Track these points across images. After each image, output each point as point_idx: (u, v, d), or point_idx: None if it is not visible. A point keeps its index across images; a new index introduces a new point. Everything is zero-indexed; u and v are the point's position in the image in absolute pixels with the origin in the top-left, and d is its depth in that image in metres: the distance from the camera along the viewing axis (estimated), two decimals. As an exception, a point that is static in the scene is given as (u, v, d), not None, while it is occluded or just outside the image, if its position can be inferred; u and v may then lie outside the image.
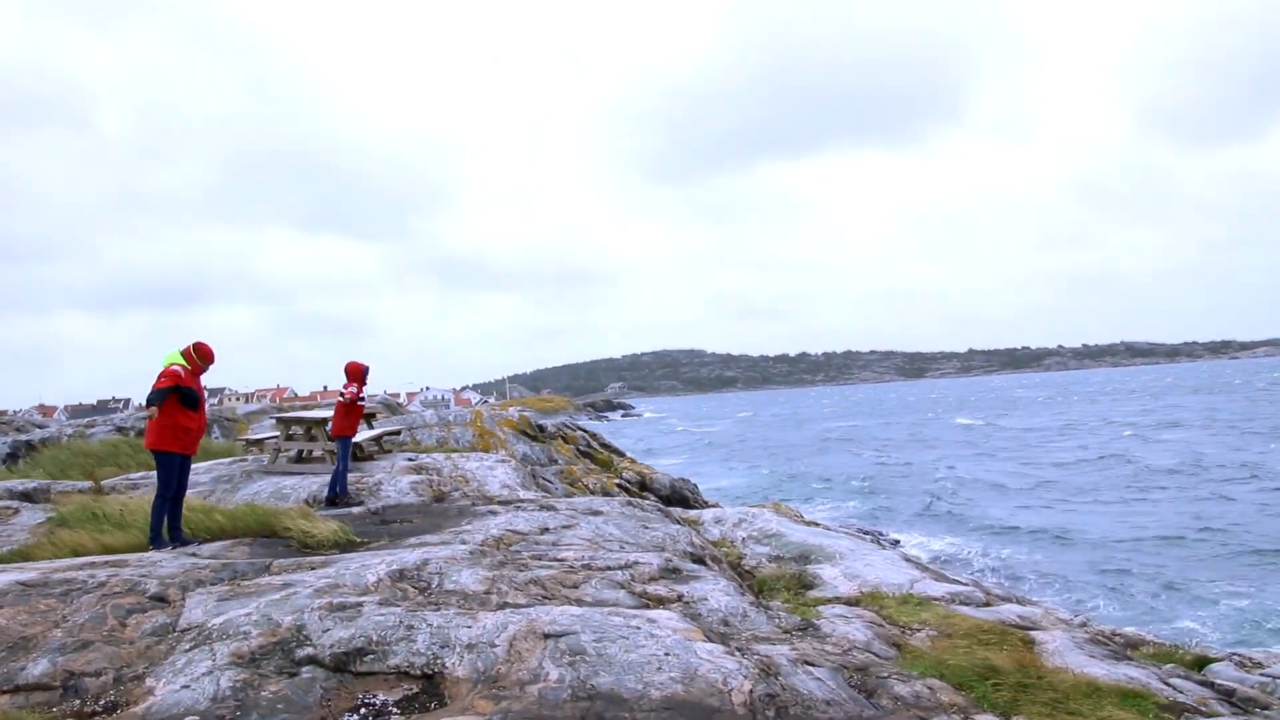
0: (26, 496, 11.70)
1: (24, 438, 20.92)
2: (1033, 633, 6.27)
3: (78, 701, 4.26)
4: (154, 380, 7.49)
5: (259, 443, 14.09)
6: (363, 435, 12.87)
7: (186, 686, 4.24)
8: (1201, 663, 6.59)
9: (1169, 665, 6.25)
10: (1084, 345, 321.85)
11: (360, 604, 5.16)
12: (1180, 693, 5.24)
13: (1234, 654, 7.17)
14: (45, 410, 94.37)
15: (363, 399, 10.69)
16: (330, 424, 11.18)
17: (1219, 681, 5.83)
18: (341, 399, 10.57)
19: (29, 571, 5.88)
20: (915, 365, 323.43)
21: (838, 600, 7.24)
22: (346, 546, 7.39)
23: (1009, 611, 7.06)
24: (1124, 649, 6.69)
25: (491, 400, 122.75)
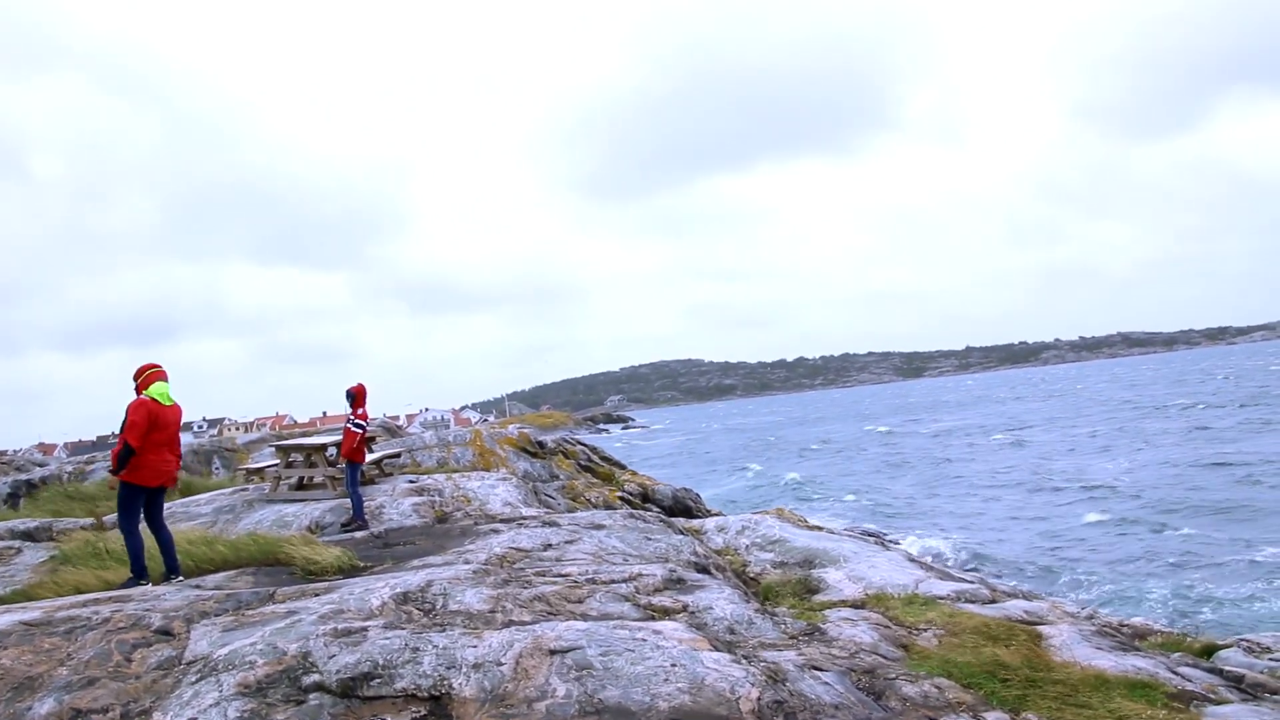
0: (28, 536, 11.68)
1: (24, 477, 20.88)
2: (1039, 627, 6.27)
3: (85, 739, 4.25)
4: (171, 424, 7.35)
5: (259, 471, 14.07)
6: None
7: (194, 719, 4.23)
8: (1210, 650, 6.59)
9: (1177, 654, 6.26)
10: (1081, 338, 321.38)
11: (365, 628, 5.16)
12: (1189, 681, 5.24)
13: (1243, 640, 7.17)
14: (45, 448, 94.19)
15: (364, 425, 10.67)
16: (339, 448, 11.20)
17: (1228, 668, 5.83)
18: (350, 426, 10.54)
19: (32, 611, 5.86)
20: (913, 365, 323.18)
21: (843, 603, 7.24)
22: (350, 571, 7.38)
23: (1015, 607, 7.06)
24: (1131, 639, 6.69)
25: (491, 419, 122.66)
